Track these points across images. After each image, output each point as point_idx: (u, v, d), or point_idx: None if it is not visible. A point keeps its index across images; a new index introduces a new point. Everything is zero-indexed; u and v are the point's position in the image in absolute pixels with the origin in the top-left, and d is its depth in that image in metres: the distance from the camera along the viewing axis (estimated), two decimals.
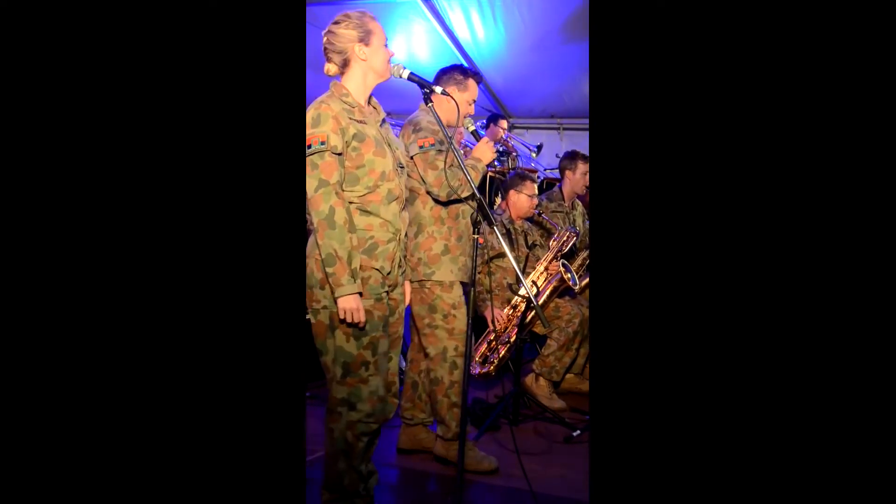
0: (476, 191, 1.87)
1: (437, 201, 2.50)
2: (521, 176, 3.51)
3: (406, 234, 2.04)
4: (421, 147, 2.44)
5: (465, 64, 4.88)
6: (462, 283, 2.56)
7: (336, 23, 1.92)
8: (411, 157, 2.47)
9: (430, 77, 1.99)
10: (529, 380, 3.45)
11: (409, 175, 2.49)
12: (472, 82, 2.63)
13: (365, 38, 1.91)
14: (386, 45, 1.95)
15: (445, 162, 2.37)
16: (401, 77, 1.95)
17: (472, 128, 2.64)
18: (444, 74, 2.62)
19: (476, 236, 1.97)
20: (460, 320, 2.51)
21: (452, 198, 2.44)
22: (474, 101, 2.67)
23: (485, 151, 2.53)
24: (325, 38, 1.94)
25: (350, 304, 1.79)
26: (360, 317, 1.80)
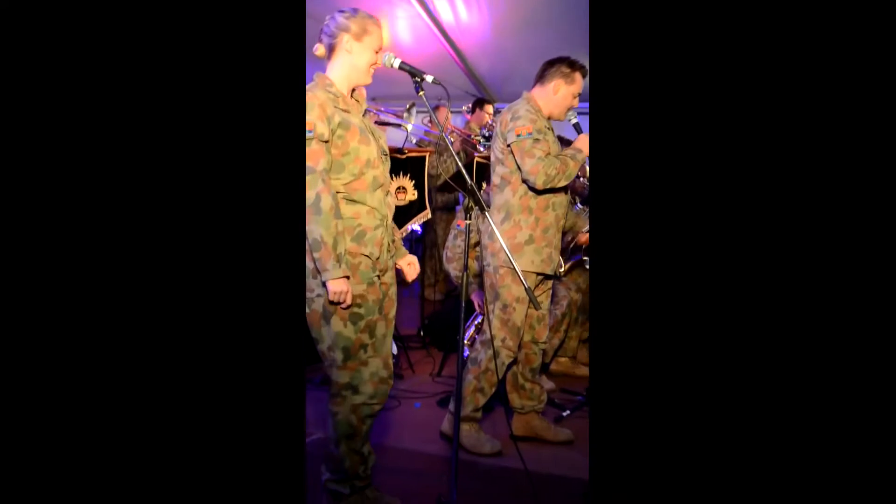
0: (468, 178, 1.90)
1: (532, 190, 2.50)
2: None
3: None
4: (518, 135, 2.45)
5: (449, 47, 4.87)
6: (545, 274, 2.58)
7: (340, 11, 1.97)
8: (508, 145, 2.49)
9: (420, 66, 2.00)
10: None
11: (501, 163, 2.54)
12: (578, 76, 2.58)
13: (358, 34, 1.93)
14: (377, 53, 1.97)
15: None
16: (392, 66, 1.97)
17: (574, 120, 2.66)
18: (551, 67, 2.59)
19: (468, 221, 2.00)
20: (518, 314, 2.55)
21: (548, 186, 2.45)
22: (579, 95, 2.62)
23: (587, 143, 2.53)
24: (325, 21, 1.98)
25: (338, 287, 1.83)
26: (349, 298, 1.86)
